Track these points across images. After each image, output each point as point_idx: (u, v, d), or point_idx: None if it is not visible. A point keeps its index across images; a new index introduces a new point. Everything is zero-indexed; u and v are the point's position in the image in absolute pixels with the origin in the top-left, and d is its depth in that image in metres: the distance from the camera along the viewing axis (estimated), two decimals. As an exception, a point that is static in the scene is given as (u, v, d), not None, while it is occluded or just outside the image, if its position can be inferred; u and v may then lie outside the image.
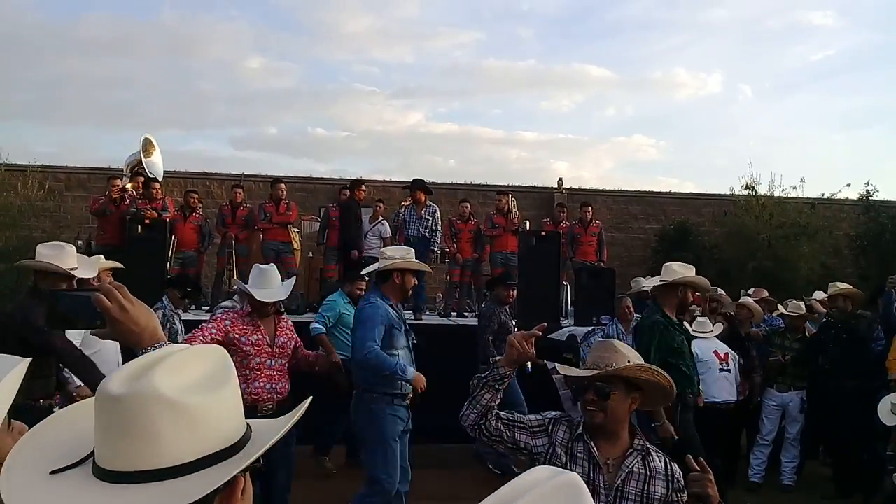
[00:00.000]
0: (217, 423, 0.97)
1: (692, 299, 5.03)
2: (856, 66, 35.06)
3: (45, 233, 12.25)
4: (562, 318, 9.17)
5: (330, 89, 35.07)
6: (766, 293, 8.13)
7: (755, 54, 36.51)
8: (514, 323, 6.78)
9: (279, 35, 36.30)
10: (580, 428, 2.48)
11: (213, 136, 35.53)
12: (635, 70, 36.25)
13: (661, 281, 4.83)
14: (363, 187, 10.27)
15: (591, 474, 2.40)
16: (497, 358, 2.51)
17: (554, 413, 2.62)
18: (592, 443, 2.44)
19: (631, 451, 2.43)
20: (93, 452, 0.98)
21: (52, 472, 0.97)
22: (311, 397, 1.21)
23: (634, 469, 2.40)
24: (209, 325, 4.33)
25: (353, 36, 34.81)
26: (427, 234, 9.38)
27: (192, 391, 0.96)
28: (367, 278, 6.36)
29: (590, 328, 8.43)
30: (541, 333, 2.45)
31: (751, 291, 8.09)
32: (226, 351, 1.09)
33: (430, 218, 9.43)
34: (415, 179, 9.90)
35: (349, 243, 9.51)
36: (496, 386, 2.50)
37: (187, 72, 33.74)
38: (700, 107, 35.03)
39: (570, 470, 2.27)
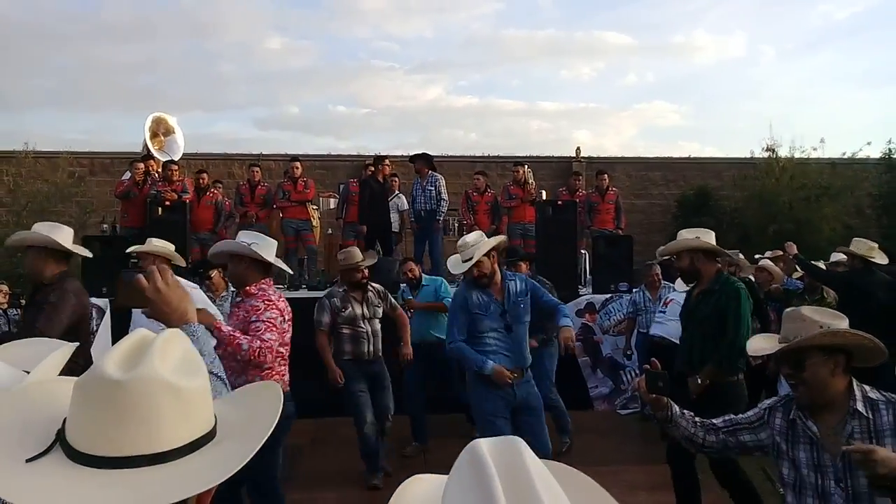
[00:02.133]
0: (203, 407, 1.01)
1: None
2: (881, 22, 34.21)
3: (73, 218, 12.41)
4: (580, 287, 9.23)
5: (349, 66, 34.97)
6: (780, 252, 8.08)
7: (778, 14, 35.68)
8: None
9: (297, 13, 36.18)
10: (793, 409, 2.40)
11: (237, 118, 35.75)
12: (655, 35, 35.63)
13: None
14: (386, 163, 9.99)
15: (814, 453, 2.32)
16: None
17: (771, 400, 2.55)
18: (809, 419, 2.35)
19: (846, 416, 2.29)
20: (58, 437, 0.96)
21: (29, 460, 0.93)
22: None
23: (856, 432, 2.25)
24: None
25: (370, 12, 34.56)
26: (433, 206, 9.58)
27: (186, 375, 0.99)
28: (411, 261, 6.77)
29: (608, 296, 8.50)
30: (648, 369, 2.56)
31: (767, 254, 8.04)
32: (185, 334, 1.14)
33: (433, 188, 9.60)
34: (416, 154, 9.99)
35: (365, 220, 9.52)
36: (670, 426, 2.57)
37: (208, 54, 33.95)
38: (722, 70, 34.42)
39: (794, 456, 2.37)
